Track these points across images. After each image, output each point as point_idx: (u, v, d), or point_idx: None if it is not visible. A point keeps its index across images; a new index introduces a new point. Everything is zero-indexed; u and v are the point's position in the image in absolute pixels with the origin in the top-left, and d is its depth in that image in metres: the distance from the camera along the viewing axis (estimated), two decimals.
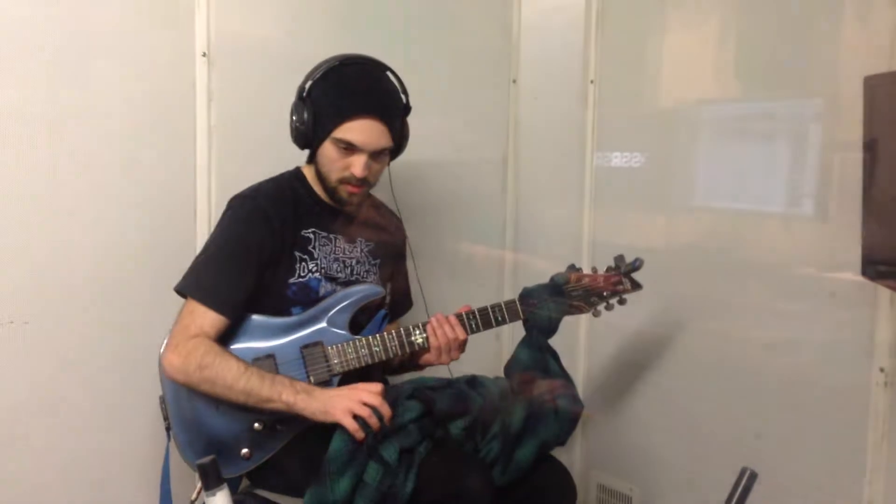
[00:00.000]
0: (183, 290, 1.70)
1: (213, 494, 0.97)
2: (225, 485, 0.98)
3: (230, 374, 1.61)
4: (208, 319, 1.66)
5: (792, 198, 1.98)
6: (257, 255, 1.71)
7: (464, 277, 2.52)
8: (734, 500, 1.06)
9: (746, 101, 2.07)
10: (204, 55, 2.01)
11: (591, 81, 2.41)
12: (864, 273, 1.48)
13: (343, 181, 1.75)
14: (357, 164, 1.72)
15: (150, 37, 1.94)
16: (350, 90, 1.74)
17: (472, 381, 1.74)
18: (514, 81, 2.61)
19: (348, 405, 1.60)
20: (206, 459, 0.99)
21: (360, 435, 1.58)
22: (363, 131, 1.71)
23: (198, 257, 1.75)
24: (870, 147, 1.43)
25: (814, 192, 1.92)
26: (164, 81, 1.97)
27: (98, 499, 1.96)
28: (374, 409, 1.60)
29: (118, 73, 1.91)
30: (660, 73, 2.31)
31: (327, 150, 1.74)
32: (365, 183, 1.77)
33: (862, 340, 1.75)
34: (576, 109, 2.44)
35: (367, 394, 1.62)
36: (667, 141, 2.24)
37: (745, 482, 1.07)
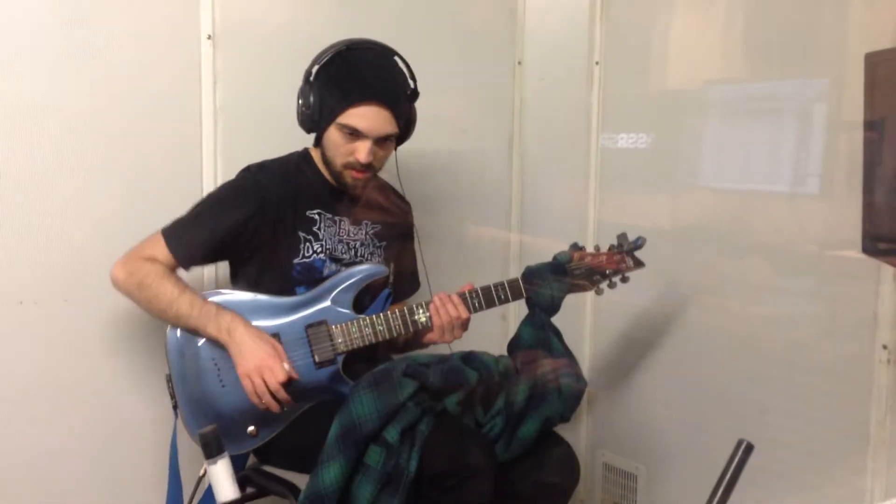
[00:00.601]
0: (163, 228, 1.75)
1: (214, 462, 0.99)
2: (226, 453, 1.00)
3: (165, 298, 1.67)
4: (163, 255, 1.71)
5: (797, 177, 1.98)
6: (239, 227, 1.74)
7: (469, 259, 2.53)
8: (730, 471, 1.07)
9: (752, 82, 2.07)
10: (209, 38, 2.02)
11: (596, 63, 2.40)
12: (865, 250, 1.48)
13: (348, 166, 1.77)
14: (361, 150, 1.73)
15: (155, 19, 1.96)
16: (356, 76, 1.75)
17: (468, 357, 1.74)
18: (520, 63, 2.61)
19: (249, 371, 1.65)
20: (207, 429, 1.01)
21: (255, 400, 1.65)
22: (367, 118, 1.72)
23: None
24: (871, 124, 1.42)
25: (819, 170, 1.92)
26: (169, 64, 1.99)
27: (107, 477, 1.99)
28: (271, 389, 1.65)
29: (124, 56, 1.92)
30: (665, 53, 2.30)
31: (332, 135, 1.75)
32: (369, 168, 1.78)
33: (866, 318, 1.75)
34: (581, 91, 2.43)
35: (269, 372, 1.64)
36: (672, 122, 2.23)
37: (741, 454, 1.08)
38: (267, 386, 1.64)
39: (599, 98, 2.41)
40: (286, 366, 1.66)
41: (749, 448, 1.09)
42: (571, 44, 2.49)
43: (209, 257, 1.85)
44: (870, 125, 1.42)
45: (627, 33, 2.35)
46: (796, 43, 1.92)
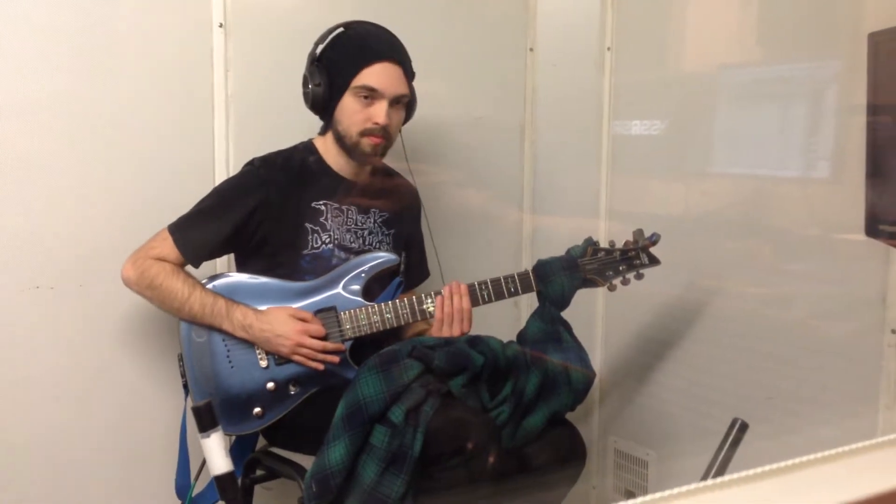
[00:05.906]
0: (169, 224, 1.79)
1: (208, 436, 1.01)
2: (219, 427, 1.02)
3: (177, 298, 1.72)
4: (172, 254, 1.76)
5: (808, 161, 1.96)
6: (244, 222, 1.77)
7: (481, 247, 2.54)
8: (724, 449, 1.08)
9: (764, 66, 2.05)
10: (220, 26, 2.04)
11: (608, 48, 2.40)
12: (868, 233, 1.47)
13: (365, 133, 1.79)
14: (379, 112, 1.76)
15: (167, 8, 1.98)
16: (366, 39, 1.80)
17: (474, 341, 1.73)
18: (531, 49, 2.60)
19: (291, 352, 1.72)
20: (201, 403, 1.03)
21: (316, 367, 1.73)
22: (383, 75, 1.76)
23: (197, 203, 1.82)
24: (874, 106, 1.41)
25: (830, 154, 1.90)
26: (181, 52, 2.01)
27: (120, 454, 2.02)
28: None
29: (136, 45, 1.95)
30: (676, 39, 2.29)
31: (347, 103, 1.78)
32: (386, 134, 1.80)
33: (874, 302, 1.74)
34: (592, 77, 2.43)
35: (306, 339, 1.71)
36: (684, 108, 2.22)
37: (735, 433, 1.09)
38: (313, 349, 1.72)
39: (611, 84, 2.41)
40: (313, 327, 1.73)
41: (743, 427, 1.10)
42: (583, 30, 2.49)
43: (216, 253, 1.90)
44: (872, 106, 1.41)
45: (639, 19, 2.34)
46: (809, 25, 1.90)
